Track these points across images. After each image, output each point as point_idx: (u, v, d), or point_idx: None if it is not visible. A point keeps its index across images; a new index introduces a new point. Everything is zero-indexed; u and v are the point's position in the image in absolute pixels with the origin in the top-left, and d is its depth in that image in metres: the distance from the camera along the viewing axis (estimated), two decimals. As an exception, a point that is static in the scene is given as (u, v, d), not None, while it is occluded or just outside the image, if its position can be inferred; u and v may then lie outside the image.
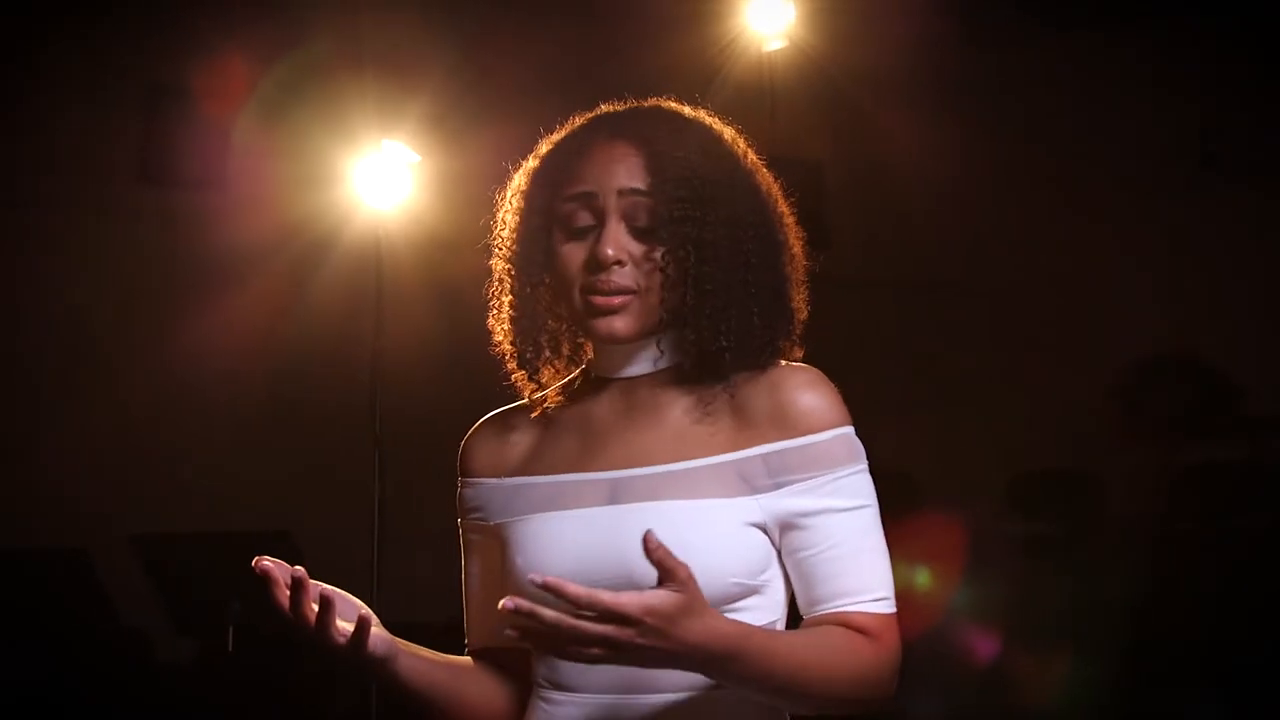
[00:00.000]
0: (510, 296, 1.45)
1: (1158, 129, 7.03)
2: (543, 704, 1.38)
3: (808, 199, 6.03)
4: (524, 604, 1.08)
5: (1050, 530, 6.45)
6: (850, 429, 1.40)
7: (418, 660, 1.40)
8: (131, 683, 4.72)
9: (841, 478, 1.36)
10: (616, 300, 1.36)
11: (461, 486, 1.50)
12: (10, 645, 4.80)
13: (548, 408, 1.47)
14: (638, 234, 1.38)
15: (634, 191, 1.37)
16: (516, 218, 1.46)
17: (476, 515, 1.48)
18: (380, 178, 4.30)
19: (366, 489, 4.08)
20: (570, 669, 1.35)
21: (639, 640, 1.11)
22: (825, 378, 1.42)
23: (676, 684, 1.31)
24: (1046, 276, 7.38)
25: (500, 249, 1.47)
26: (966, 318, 7.55)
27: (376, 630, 1.34)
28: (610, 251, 1.36)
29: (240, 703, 4.10)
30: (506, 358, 1.47)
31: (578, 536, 1.35)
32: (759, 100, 5.77)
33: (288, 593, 1.31)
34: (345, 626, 1.32)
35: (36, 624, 4.71)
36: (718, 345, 1.37)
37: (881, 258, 7.52)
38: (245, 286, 5.36)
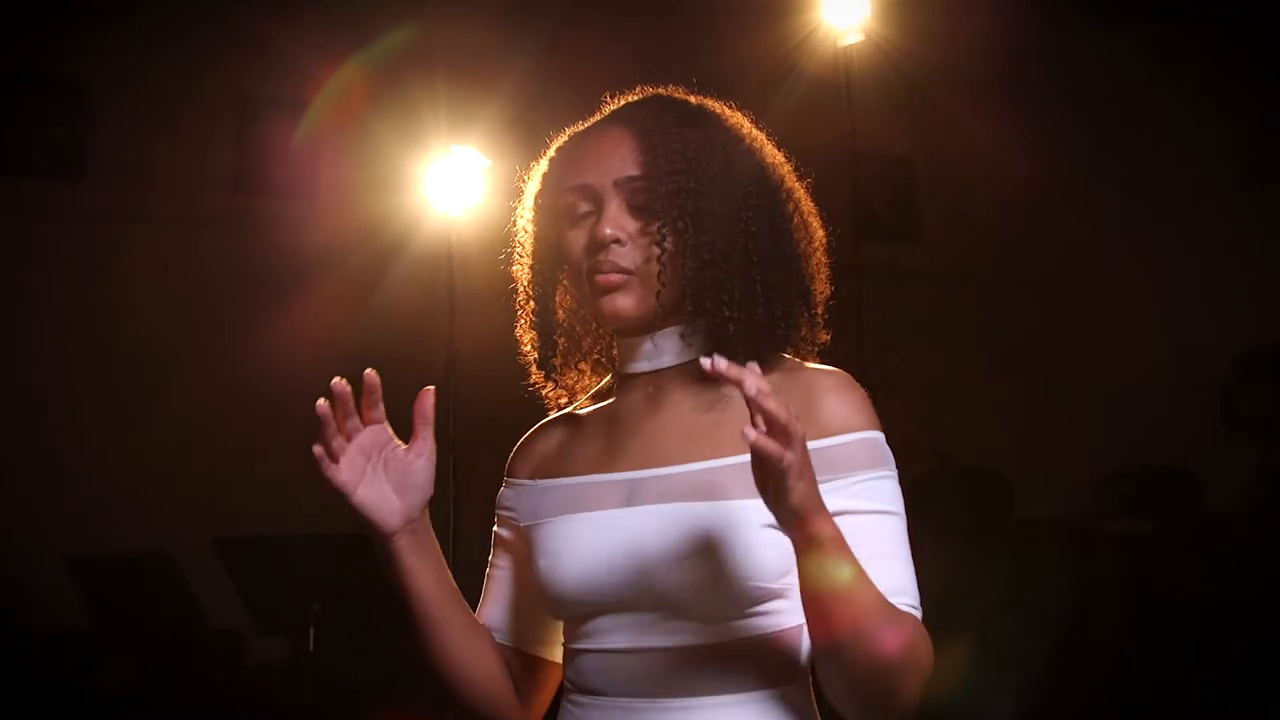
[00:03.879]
0: (531, 302, 1.46)
1: (1253, 118, 6.85)
2: (570, 706, 1.39)
3: (898, 194, 5.97)
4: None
5: (1146, 528, 6.32)
6: (878, 434, 1.35)
7: (433, 573, 1.39)
8: (218, 683, 4.82)
9: (864, 481, 1.32)
10: (618, 279, 1.36)
11: (504, 486, 1.53)
12: (104, 647, 4.94)
13: (582, 410, 1.48)
14: (636, 213, 1.38)
15: (630, 179, 1.37)
16: (530, 220, 1.47)
17: (509, 514, 1.50)
18: (451, 183, 4.36)
19: (441, 491, 4.10)
20: (595, 673, 1.35)
21: (796, 462, 1.12)
22: (855, 382, 1.38)
23: (700, 690, 1.30)
24: (1140, 269, 7.22)
25: (519, 254, 1.48)
26: (1057, 312, 7.42)
27: (422, 508, 1.37)
28: (608, 230, 1.35)
29: (321, 702, 4.16)
30: (530, 363, 1.47)
31: (594, 538, 1.34)
32: (835, 95, 5.73)
33: (335, 430, 1.34)
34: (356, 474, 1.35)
35: (127, 626, 4.84)
36: (721, 316, 1.35)
37: (968, 253, 7.41)
38: (319, 292, 5.45)
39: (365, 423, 1.37)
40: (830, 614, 1.21)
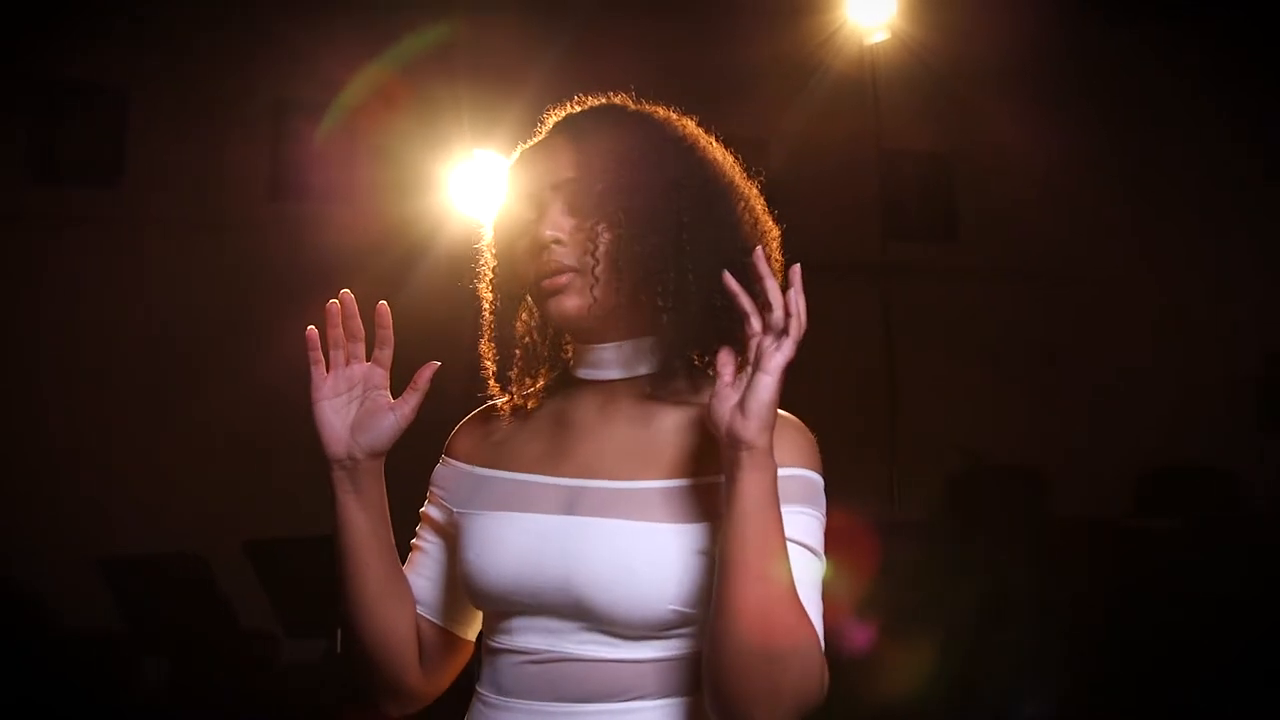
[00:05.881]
0: (489, 316, 1.49)
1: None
2: (481, 706, 1.38)
3: (932, 192, 5.91)
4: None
5: (1180, 525, 6.28)
6: (816, 477, 1.36)
7: (365, 518, 1.41)
8: (251, 683, 4.86)
9: (791, 514, 1.31)
10: (562, 279, 1.37)
11: (440, 464, 1.52)
12: (140, 649, 4.99)
13: (530, 406, 1.50)
14: (574, 214, 1.40)
15: (567, 181, 1.40)
16: (491, 238, 1.50)
17: (441, 494, 1.50)
18: (474, 185, 4.39)
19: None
20: (508, 673, 1.36)
21: (789, 356, 1.24)
22: (803, 426, 1.38)
23: (609, 697, 1.32)
24: (1177, 266, 7.18)
25: (483, 273, 1.51)
26: (1094, 309, 7.38)
27: (368, 454, 1.39)
28: (547, 232, 1.38)
29: (348, 703, 4.18)
30: (489, 377, 1.49)
31: (528, 541, 1.35)
32: (862, 93, 5.73)
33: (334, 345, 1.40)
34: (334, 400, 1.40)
35: (162, 628, 4.88)
36: (654, 307, 1.35)
37: (1001, 250, 7.39)
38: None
39: (372, 359, 1.42)
40: (744, 557, 1.24)
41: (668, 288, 1.35)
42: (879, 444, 5.71)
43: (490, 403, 1.52)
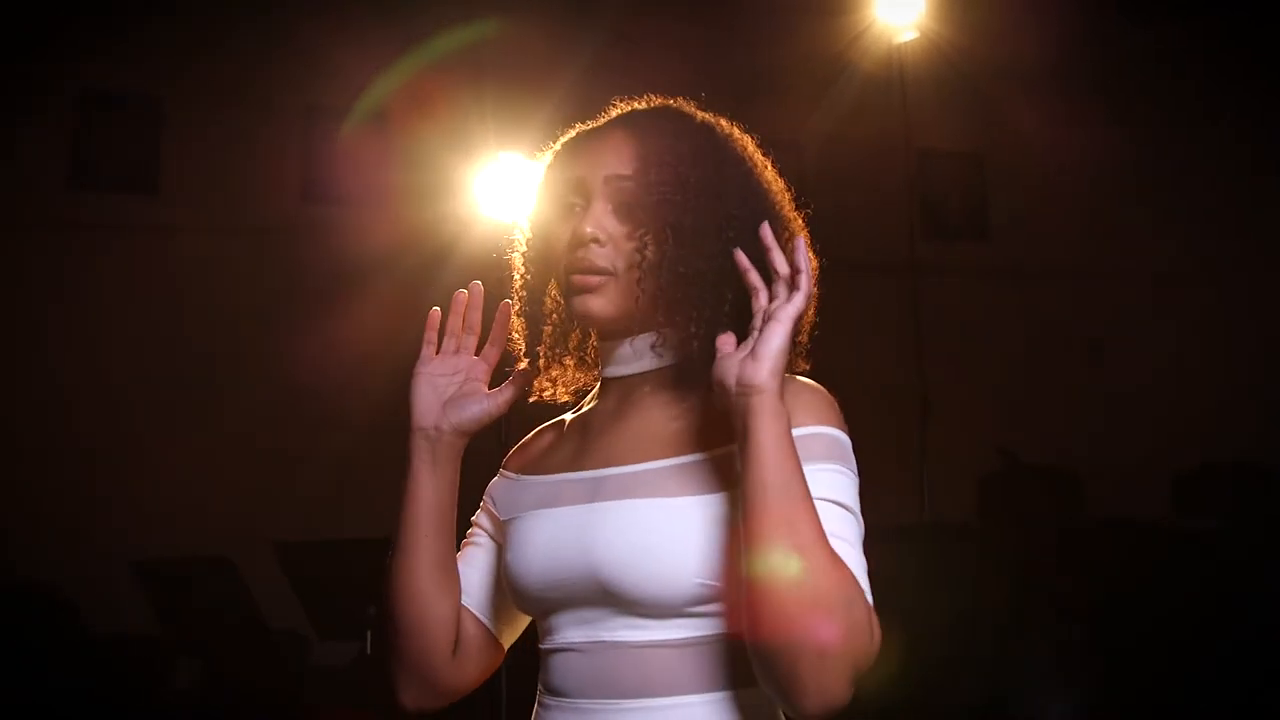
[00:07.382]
0: (523, 290, 1.49)
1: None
2: (540, 709, 1.40)
3: (964, 191, 5.90)
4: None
5: (1220, 526, 6.20)
6: (840, 434, 1.33)
7: (433, 493, 1.44)
8: (283, 685, 4.87)
9: (818, 471, 1.28)
10: (594, 280, 1.38)
11: (496, 477, 1.55)
12: (171, 651, 5.03)
13: (569, 413, 1.51)
14: (620, 216, 1.39)
15: (620, 178, 1.39)
16: (529, 212, 1.50)
17: (490, 503, 1.52)
18: (499, 188, 4.41)
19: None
20: (558, 672, 1.37)
21: (802, 308, 1.25)
22: (820, 387, 1.37)
23: (653, 690, 1.31)
24: (1212, 263, 7.11)
25: (517, 243, 1.51)
26: (1129, 306, 7.32)
27: (453, 430, 1.44)
28: (589, 229, 1.38)
29: (379, 705, 4.18)
30: (518, 352, 1.50)
31: (554, 534, 1.37)
32: (890, 93, 5.71)
33: (452, 335, 1.48)
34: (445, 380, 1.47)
35: (193, 630, 4.91)
36: (687, 332, 1.35)
37: (1034, 249, 7.35)
38: (371, 298, 5.54)
39: (480, 354, 1.49)
40: (766, 504, 1.21)
41: (702, 314, 1.35)
42: (909, 444, 5.68)
43: (550, 421, 1.54)
